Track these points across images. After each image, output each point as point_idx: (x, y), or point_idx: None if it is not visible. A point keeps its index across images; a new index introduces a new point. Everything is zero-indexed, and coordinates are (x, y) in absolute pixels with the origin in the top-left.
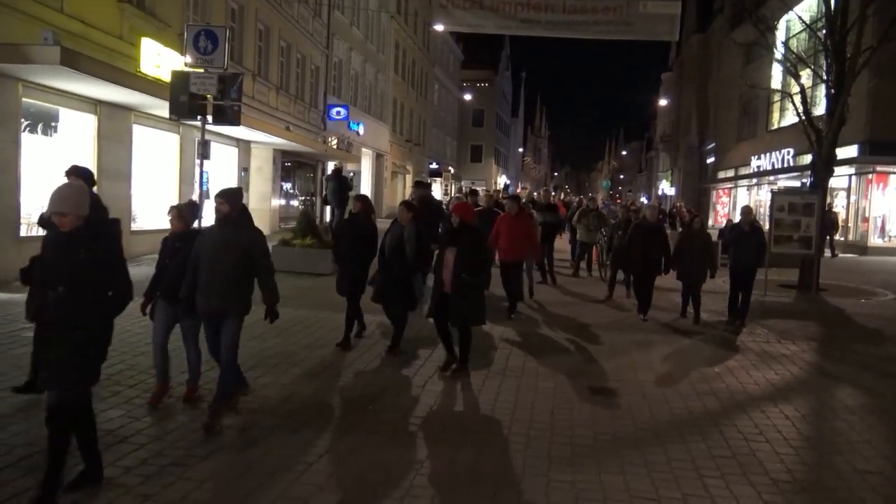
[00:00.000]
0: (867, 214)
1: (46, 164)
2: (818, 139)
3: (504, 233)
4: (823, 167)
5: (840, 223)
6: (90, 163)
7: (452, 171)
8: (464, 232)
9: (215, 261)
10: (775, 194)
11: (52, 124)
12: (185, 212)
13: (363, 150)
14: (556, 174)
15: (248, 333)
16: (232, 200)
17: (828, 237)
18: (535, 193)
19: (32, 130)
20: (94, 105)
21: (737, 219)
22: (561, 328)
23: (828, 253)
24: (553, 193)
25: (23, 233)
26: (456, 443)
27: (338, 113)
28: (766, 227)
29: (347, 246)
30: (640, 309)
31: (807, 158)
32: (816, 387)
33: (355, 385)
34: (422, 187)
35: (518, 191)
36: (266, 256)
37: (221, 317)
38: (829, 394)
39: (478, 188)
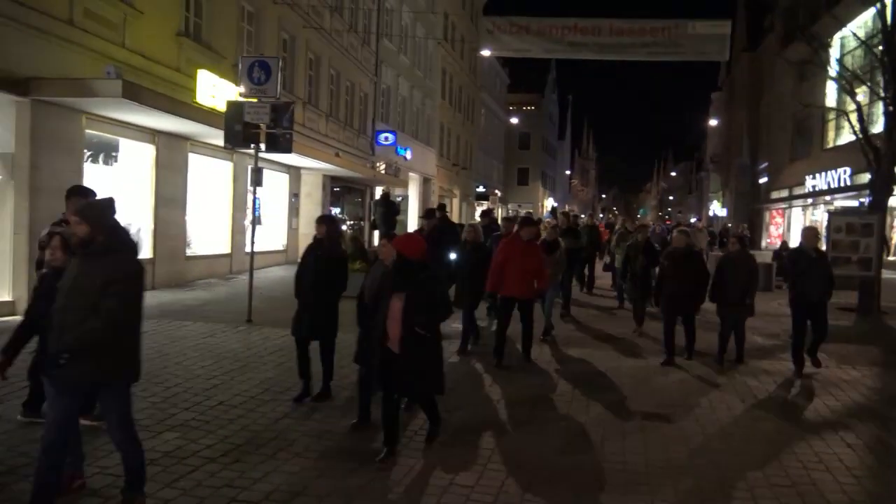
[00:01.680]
0: None
1: (107, 192)
2: (876, 157)
3: (513, 262)
4: (883, 186)
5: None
6: (148, 191)
7: (499, 194)
8: (409, 271)
9: (66, 307)
10: (832, 215)
11: (113, 154)
12: None
13: (410, 174)
14: (604, 196)
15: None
16: (93, 217)
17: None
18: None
19: (94, 160)
20: (153, 135)
21: (793, 240)
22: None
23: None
24: (602, 216)
25: None
26: (506, 469)
27: (386, 139)
28: (823, 248)
29: (309, 278)
30: (667, 354)
31: (865, 177)
32: (879, 414)
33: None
34: (430, 216)
35: (564, 211)
36: (116, 299)
37: (91, 385)
38: (892, 421)
39: (491, 208)
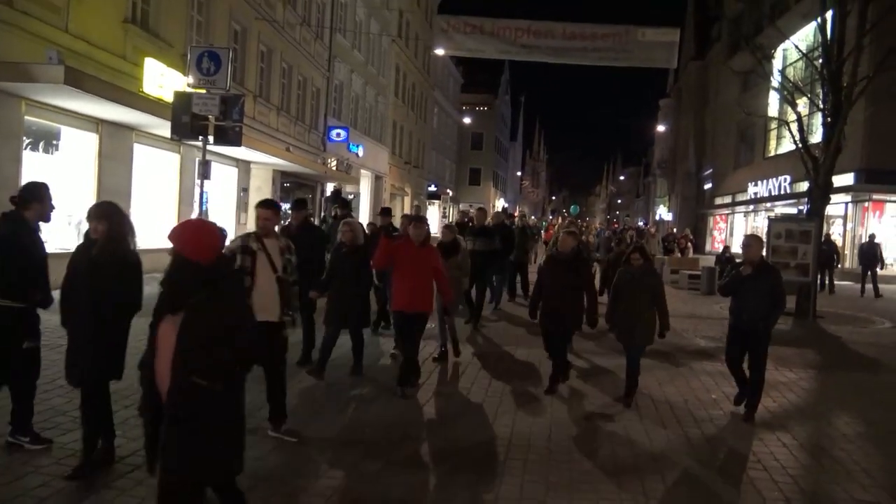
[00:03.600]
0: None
1: (47, 181)
2: (815, 167)
3: (402, 270)
4: (820, 195)
5: (839, 252)
6: (91, 181)
7: (451, 193)
8: (190, 282)
9: None
10: (773, 221)
11: (54, 142)
12: None
13: (362, 171)
14: (554, 198)
15: None
16: None
17: (826, 271)
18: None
19: (34, 148)
20: (96, 124)
21: (735, 245)
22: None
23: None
24: (547, 215)
25: None
26: (453, 468)
27: (338, 135)
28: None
29: (81, 297)
30: (552, 377)
31: (804, 186)
32: (814, 415)
33: None
34: (300, 207)
35: (516, 213)
36: None
37: None
38: (826, 422)
39: (388, 207)
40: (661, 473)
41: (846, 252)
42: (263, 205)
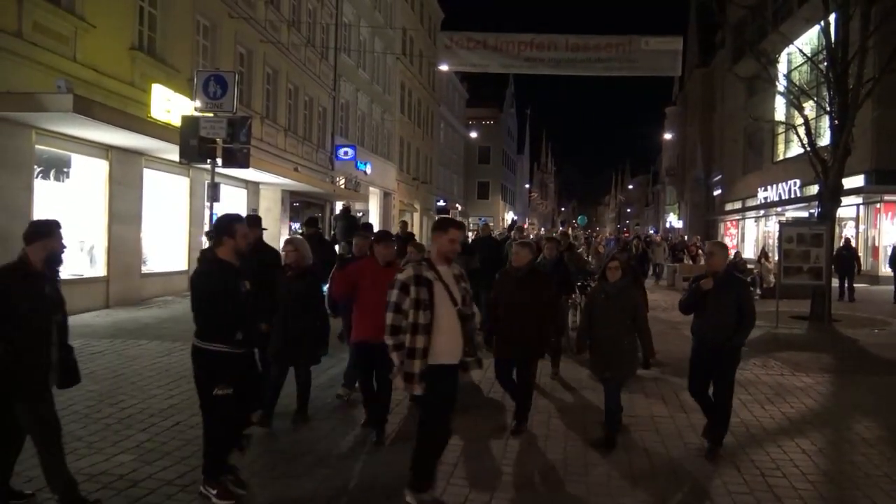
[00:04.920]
0: (877, 244)
1: (59, 209)
2: (824, 170)
3: (365, 292)
4: (830, 197)
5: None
6: (101, 207)
7: (460, 208)
8: None
9: None
10: (784, 225)
11: (65, 170)
12: None
13: (371, 189)
14: (563, 209)
15: None
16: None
17: (846, 278)
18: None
19: (45, 176)
20: (106, 150)
21: (746, 250)
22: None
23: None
24: (557, 227)
25: None
26: (477, 482)
27: (345, 153)
28: (776, 258)
29: None
30: (517, 415)
31: (814, 189)
32: (833, 420)
33: None
34: (255, 223)
35: (525, 226)
36: None
37: None
38: (845, 426)
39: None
40: (679, 483)
41: (860, 254)
42: (456, 225)
